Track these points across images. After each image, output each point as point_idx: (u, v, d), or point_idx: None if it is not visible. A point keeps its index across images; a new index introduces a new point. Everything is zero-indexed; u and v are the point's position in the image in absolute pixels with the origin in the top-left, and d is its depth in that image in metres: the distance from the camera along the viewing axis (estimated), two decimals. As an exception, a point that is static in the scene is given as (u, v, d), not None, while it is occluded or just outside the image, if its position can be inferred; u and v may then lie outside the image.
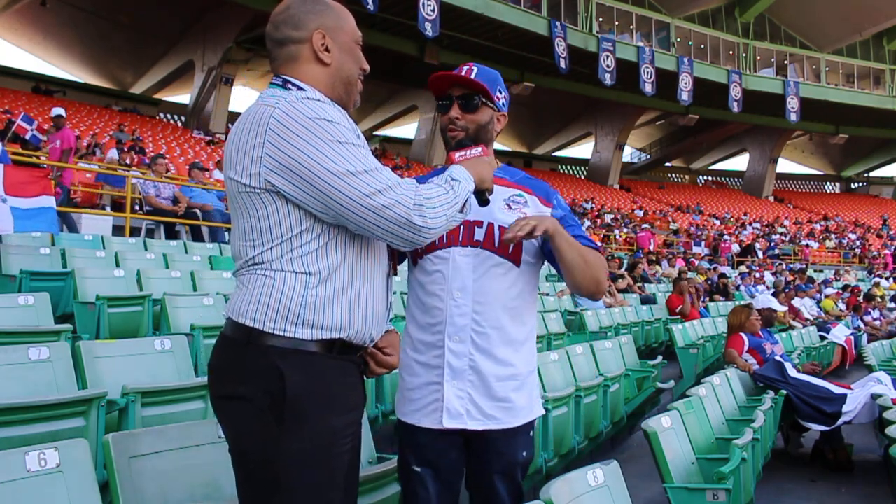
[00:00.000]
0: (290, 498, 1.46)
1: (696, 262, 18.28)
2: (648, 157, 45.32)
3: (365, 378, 1.68)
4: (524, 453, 1.88)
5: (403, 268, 1.98)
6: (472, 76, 1.87)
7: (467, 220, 1.82)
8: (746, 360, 5.23)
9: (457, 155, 1.71)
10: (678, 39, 31.38)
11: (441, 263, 1.85)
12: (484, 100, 1.88)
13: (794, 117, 32.27)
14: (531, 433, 1.91)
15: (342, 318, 1.52)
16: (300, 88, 1.56)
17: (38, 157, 10.33)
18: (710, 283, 13.81)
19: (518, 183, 1.94)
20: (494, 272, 1.84)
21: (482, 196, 1.71)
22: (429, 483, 1.83)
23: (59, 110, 9.36)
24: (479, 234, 1.85)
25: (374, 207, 1.44)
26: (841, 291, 15.05)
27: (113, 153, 13.49)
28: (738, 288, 15.01)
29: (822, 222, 35.46)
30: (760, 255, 24.00)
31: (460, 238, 1.84)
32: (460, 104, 1.86)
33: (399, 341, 1.77)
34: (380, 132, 38.14)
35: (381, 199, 1.44)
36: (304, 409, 1.46)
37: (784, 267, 21.33)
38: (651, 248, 19.69)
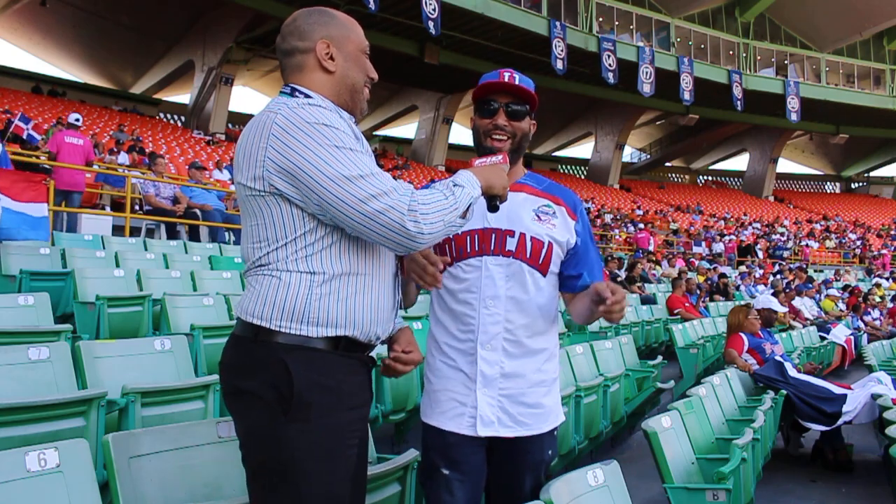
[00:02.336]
0: (300, 492, 1.49)
1: (696, 262, 18.27)
2: (648, 157, 45.32)
3: (372, 377, 1.70)
4: (550, 451, 1.91)
5: None
6: (516, 83, 1.87)
7: (499, 228, 1.85)
8: (746, 360, 5.23)
9: (477, 162, 1.72)
10: (678, 39, 31.37)
11: (472, 272, 1.85)
12: (528, 108, 1.89)
13: (794, 117, 32.27)
14: (555, 432, 1.94)
15: (347, 316, 1.55)
16: (307, 96, 1.61)
17: (37, 157, 10.34)
18: (710, 283, 13.81)
19: (545, 191, 1.93)
20: (526, 281, 1.85)
21: (492, 202, 1.71)
22: (455, 487, 1.84)
23: (76, 116, 9.46)
24: (511, 244, 1.85)
25: (367, 212, 1.46)
26: (841, 291, 15.05)
27: (124, 157, 13.53)
28: (738, 288, 15.01)
29: (822, 222, 35.47)
30: (760, 254, 23.98)
31: (492, 247, 1.85)
32: (507, 111, 1.87)
33: (413, 337, 1.78)
34: (380, 132, 38.14)
35: (375, 204, 1.46)
36: (310, 403, 1.49)
37: (786, 266, 21.32)
38: (651, 248, 19.68)
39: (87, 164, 8.66)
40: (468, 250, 1.86)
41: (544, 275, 1.88)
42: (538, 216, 1.88)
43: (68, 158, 8.41)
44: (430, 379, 1.91)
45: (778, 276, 17.40)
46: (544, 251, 1.86)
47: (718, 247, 22.89)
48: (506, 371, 1.83)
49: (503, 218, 1.83)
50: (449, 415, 1.84)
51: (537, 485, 1.87)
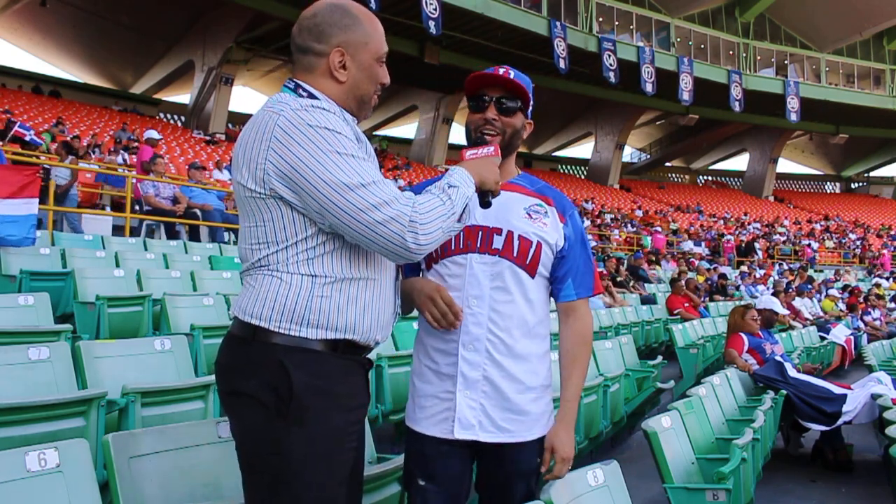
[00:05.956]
0: (295, 494, 1.47)
1: (696, 262, 18.27)
2: (648, 157, 45.31)
3: (370, 378, 1.70)
4: (539, 459, 1.85)
5: None
6: (510, 77, 1.83)
7: (486, 226, 1.80)
8: (746, 361, 5.23)
9: (468, 153, 1.68)
10: (678, 39, 31.37)
11: (457, 269, 1.80)
12: (521, 104, 1.84)
13: (794, 117, 32.27)
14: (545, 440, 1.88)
15: (348, 320, 1.53)
16: (311, 95, 1.56)
17: (37, 157, 10.35)
18: (710, 283, 13.81)
19: (538, 192, 1.88)
20: (512, 281, 1.79)
21: (485, 198, 1.67)
22: (430, 498, 1.79)
23: (152, 133, 9.93)
24: (498, 242, 1.80)
25: (368, 223, 1.43)
26: (841, 291, 15.04)
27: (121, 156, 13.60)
28: (737, 288, 15.01)
29: (823, 222, 35.46)
30: (760, 254, 23.97)
31: (478, 244, 1.80)
32: (498, 106, 1.82)
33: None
34: (380, 132, 38.14)
35: (377, 214, 1.43)
36: (308, 406, 1.47)
37: (786, 266, 21.31)
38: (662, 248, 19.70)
39: (143, 167, 8.99)
40: (453, 247, 1.80)
41: (532, 275, 1.81)
42: (529, 214, 1.83)
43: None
44: (416, 383, 1.86)
45: (778, 277, 17.40)
46: (532, 250, 1.80)
47: (687, 245, 22.72)
48: (489, 374, 1.77)
49: (491, 215, 1.78)
50: (430, 421, 1.79)
51: (529, 494, 1.82)
